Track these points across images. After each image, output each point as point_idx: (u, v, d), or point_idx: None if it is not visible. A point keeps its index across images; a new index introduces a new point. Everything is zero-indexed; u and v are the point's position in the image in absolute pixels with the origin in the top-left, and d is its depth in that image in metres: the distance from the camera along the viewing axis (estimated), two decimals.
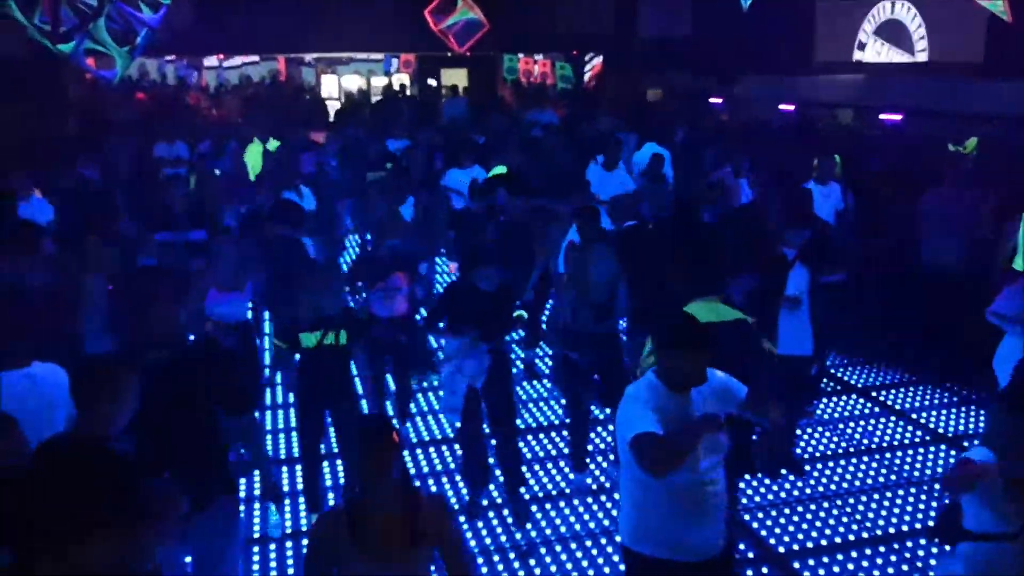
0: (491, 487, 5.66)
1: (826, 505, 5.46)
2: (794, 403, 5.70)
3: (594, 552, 5.00)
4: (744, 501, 5.45)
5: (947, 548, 3.23)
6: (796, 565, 4.89)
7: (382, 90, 20.70)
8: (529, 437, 6.38)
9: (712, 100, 15.61)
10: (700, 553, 3.34)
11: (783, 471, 5.78)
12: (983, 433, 3.18)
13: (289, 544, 5.15)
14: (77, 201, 7.79)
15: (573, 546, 5.06)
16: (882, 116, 12.22)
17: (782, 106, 14.07)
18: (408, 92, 20.14)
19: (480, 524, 5.31)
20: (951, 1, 11.17)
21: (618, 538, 3.95)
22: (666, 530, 3.32)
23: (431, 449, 6.27)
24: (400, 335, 6.21)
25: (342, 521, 2.93)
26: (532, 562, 4.94)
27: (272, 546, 5.13)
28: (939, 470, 5.89)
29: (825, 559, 4.93)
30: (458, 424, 5.47)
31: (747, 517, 5.32)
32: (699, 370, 3.29)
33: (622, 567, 4.78)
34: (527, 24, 17.78)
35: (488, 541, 5.15)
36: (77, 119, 13.06)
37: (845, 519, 5.32)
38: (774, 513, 5.38)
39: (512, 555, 5.01)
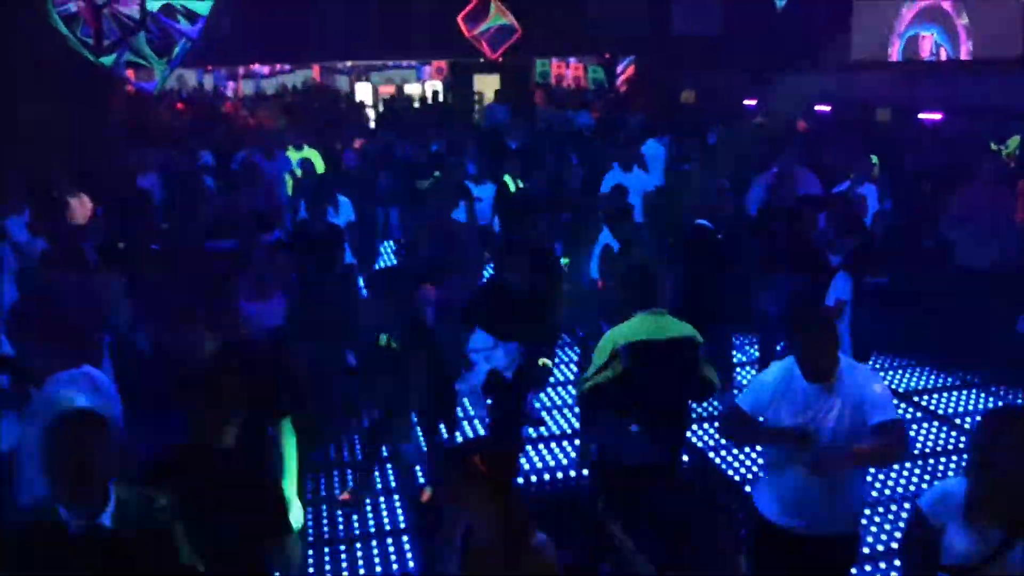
0: None
1: (868, 512, 5.36)
2: None
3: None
4: None
5: None
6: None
7: (418, 97, 20.84)
8: (545, 445, 6.36)
9: (746, 101, 15.47)
10: (809, 526, 3.46)
11: None
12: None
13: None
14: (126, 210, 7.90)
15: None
16: (921, 115, 12.01)
17: (818, 106, 13.91)
18: (441, 99, 20.24)
19: None
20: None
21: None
22: (774, 495, 3.53)
23: None
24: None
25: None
26: None
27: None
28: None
29: (868, 568, 4.84)
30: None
31: None
32: (818, 357, 3.37)
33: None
34: (559, 28, 17.78)
35: None
36: (118, 127, 13.29)
37: (888, 527, 5.23)
38: None
39: None
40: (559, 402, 7.09)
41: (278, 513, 3.05)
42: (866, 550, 5.00)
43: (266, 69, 24.07)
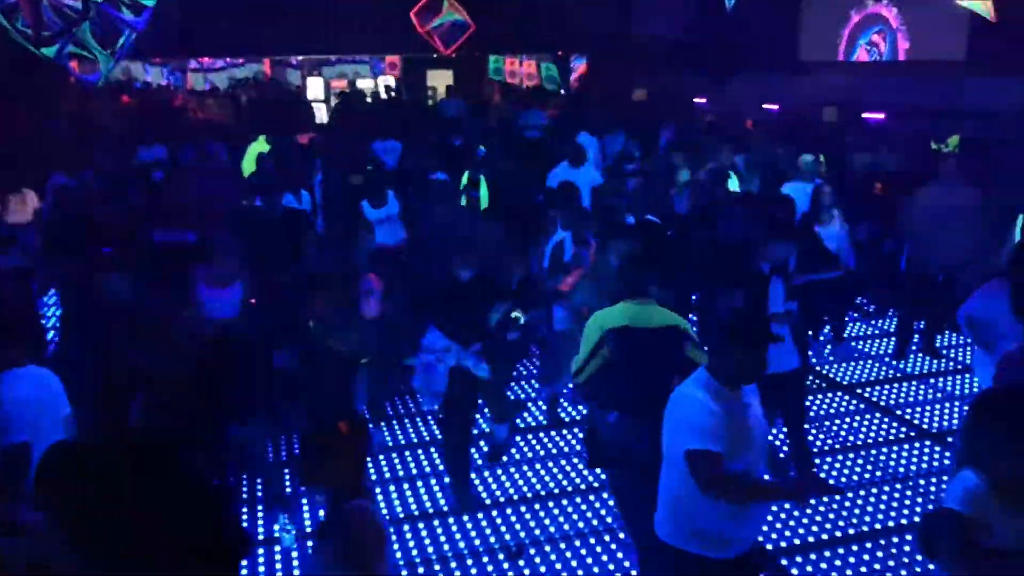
0: (480, 487, 5.69)
1: (813, 502, 5.48)
2: (797, 416, 5.64)
3: (583, 552, 5.01)
4: None
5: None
6: (784, 562, 4.92)
7: (370, 92, 20.68)
8: (518, 438, 6.39)
9: (697, 100, 15.67)
10: (742, 548, 3.41)
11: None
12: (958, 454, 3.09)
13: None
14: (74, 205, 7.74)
15: (563, 546, 5.07)
16: (865, 115, 12.29)
17: (766, 105, 14.15)
18: (394, 94, 20.13)
19: (469, 524, 5.32)
20: (932, 2, 11.27)
21: (621, 534, 3.96)
22: (715, 527, 3.34)
23: (406, 453, 6.28)
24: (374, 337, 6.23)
25: None
26: (521, 563, 4.95)
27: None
28: (924, 466, 5.94)
29: (813, 556, 4.96)
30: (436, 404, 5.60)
31: None
32: (758, 369, 3.37)
33: (611, 566, 4.83)
34: (513, 25, 17.79)
35: (477, 542, 5.17)
36: (67, 122, 12.99)
37: (832, 516, 5.36)
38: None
39: (502, 556, 5.02)
40: (533, 395, 7.13)
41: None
42: (811, 540, 5.12)
43: (218, 63, 23.68)
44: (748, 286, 5.37)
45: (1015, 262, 5.29)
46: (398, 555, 5.05)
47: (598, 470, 5.47)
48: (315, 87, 22.91)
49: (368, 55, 22.95)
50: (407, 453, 6.25)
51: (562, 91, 19.97)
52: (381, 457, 6.17)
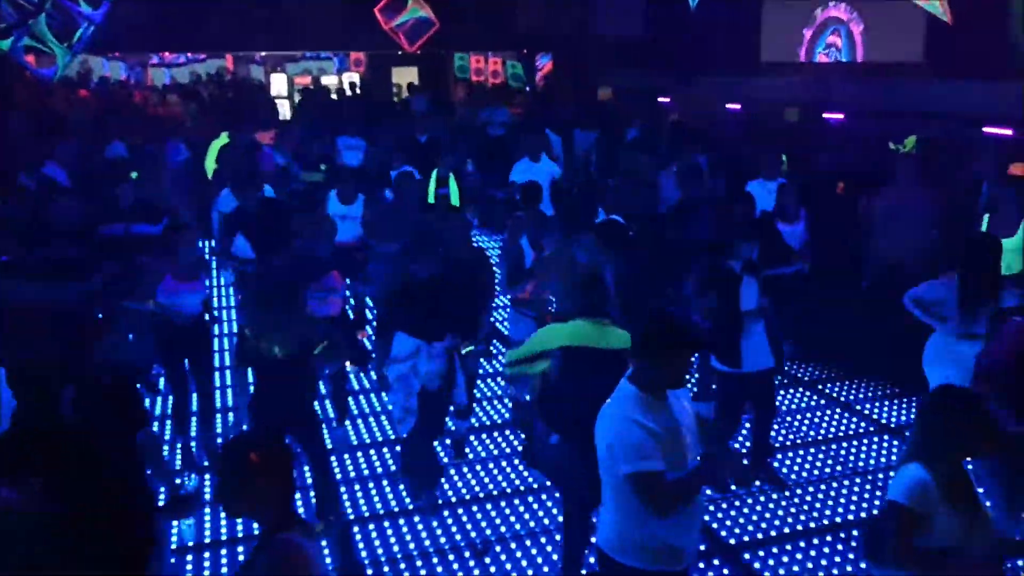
0: (445, 485, 5.68)
1: (775, 496, 5.56)
2: (764, 413, 5.72)
3: (549, 548, 5.03)
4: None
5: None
6: (747, 556, 4.98)
7: (334, 89, 20.53)
8: (483, 435, 6.40)
9: (661, 99, 15.79)
10: (688, 558, 3.35)
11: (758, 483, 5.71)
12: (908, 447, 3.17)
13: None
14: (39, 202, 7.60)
15: (528, 543, 5.08)
16: (826, 115, 12.47)
17: (729, 105, 14.29)
18: (358, 90, 20.00)
19: (435, 523, 5.31)
20: (891, 2, 11.46)
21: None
22: (659, 540, 3.25)
23: (371, 452, 6.25)
24: (336, 335, 6.18)
25: None
26: (487, 560, 4.96)
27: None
28: (883, 460, 6.05)
29: (775, 550, 5.03)
30: (410, 427, 5.45)
31: None
32: (685, 371, 3.31)
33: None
34: (478, 23, 17.78)
35: (443, 540, 5.16)
36: (24, 118, 12.71)
37: (793, 510, 5.44)
38: (724, 506, 5.46)
39: (467, 553, 5.02)
40: (488, 393, 7.12)
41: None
42: (773, 534, 5.19)
43: (180, 58, 23.34)
44: (721, 285, 5.42)
45: (967, 256, 5.42)
46: (363, 554, 5.03)
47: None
48: (279, 83, 22.70)
49: (332, 51, 22.80)
50: (372, 452, 6.22)
51: (527, 89, 20.01)
52: (346, 456, 6.14)
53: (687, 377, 3.31)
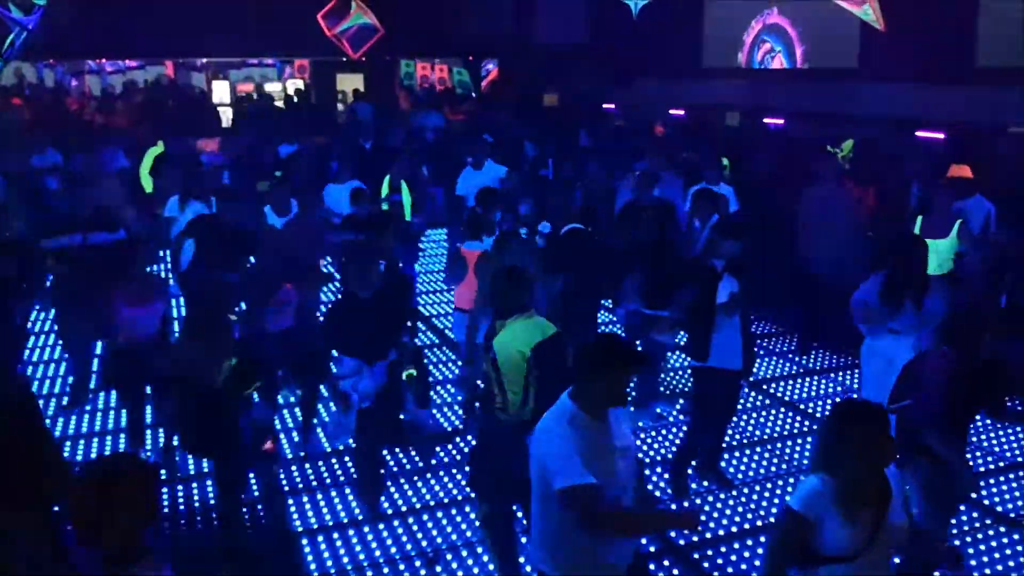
0: (395, 494, 5.64)
1: (723, 496, 5.64)
2: (724, 416, 5.78)
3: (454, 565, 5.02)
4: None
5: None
6: (696, 555, 5.04)
7: (279, 96, 20.30)
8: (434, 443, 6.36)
9: (606, 105, 15.95)
10: (621, 567, 3.33)
11: (707, 483, 5.78)
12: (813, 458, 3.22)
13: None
14: None
15: (479, 550, 5.07)
16: (766, 120, 12.72)
17: (672, 110, 14.49)
18: (301, 98, 19.80)
19: (385, 532, 5.27)
20: (827, 9, 11.76)
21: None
22: (589, 555, 3.22)
23: (319, 463, 6.18)
24: (292, 347, 6.10)
25: None
26: (438, 568, 4.93)
27: None
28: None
29: (723, 549, 5.09)
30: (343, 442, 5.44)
31: None
32: (623, 390, 3.28)
33: (528, 568, 4.85)
34: (424, 30, 17.75)
35: (393, 550, 5.12)
36: None
37: (741, 509, 5.51)
38: (673, 507, 5.52)
39: (418, 563, 4.99)
40: (438, 401, 7.09)
41: None
42: (722, 533, 5.26)
43: (117, 65, 22.81)
44: (701, 282, 5.47)
45: (893, 254, 5.61)
46: (312, 567, 4.96)
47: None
48: (221, 91, 22.35)
49: (275, 58, 22.52)
50: (320, 463, 6.14)
51: (473, 95, 20.05)
52: (293, 468, 6.06)
53: (626, 396, 3.30)
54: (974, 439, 6.33)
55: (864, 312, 5.52)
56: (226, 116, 18.84)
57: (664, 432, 6.51)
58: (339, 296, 5.53)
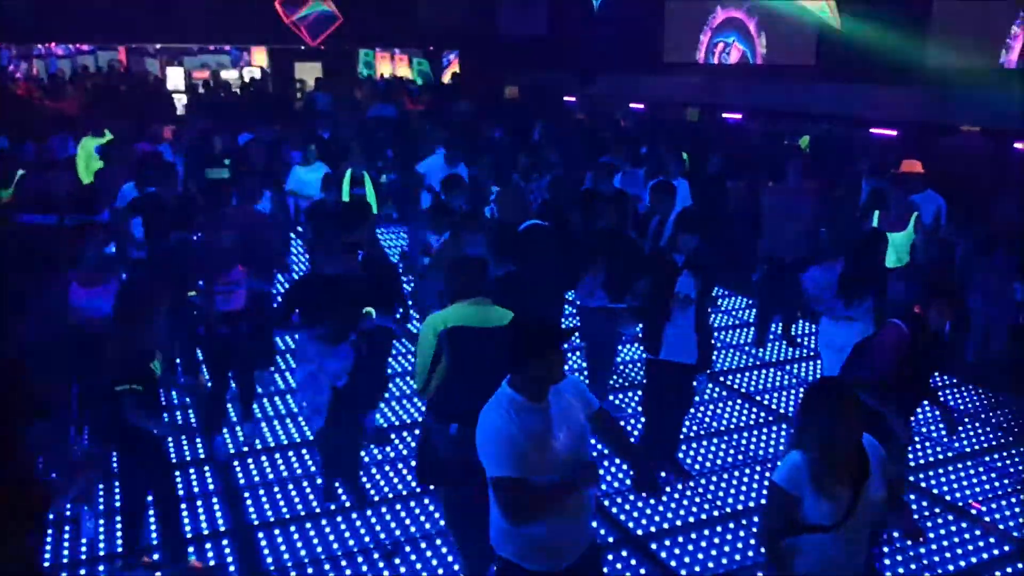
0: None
1: (680, 487, 5.68)
2: (677, 409, 5.82)
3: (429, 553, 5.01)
4: (603, 487, 5.59)
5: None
6: (654, 546, 5.07)
7: (234, 83, 19.97)
8: (392, 436, 6.32)
9: (567, 98, 15.97)
10: (568, 557, 3.34)
11: (664, 474, 5.78)
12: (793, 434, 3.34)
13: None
14: None
15: (438, 542, 5.05)
16: (724, 115, 12.85)
17: (633, 105, 14.57)
18: (257, 86, 19.52)
19: (343, 525, 5.22)
20: (786, 8, 11.92)
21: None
22: (534, 539, 3.25)
23: (277, 455, 6.12)
24: (241, 330, 6.02)
25: None
26: (397, 561, 4.90)
27: None
28: (782, 448, 6.25)
29: (680, 539, 5.14)
30: (319, 425, 5.35)
31: (606, 502, 5.47)
32: (559, 371, 3.28)
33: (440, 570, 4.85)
34: (384, 19, 17.60)
35: (352, 543, 5.08)
36: None
37: (698, 499, 5.57)
38: (632, 497, 5.55)
39: (376, 555, 4.95)
40: (397, 392, 7.04)
41: None
42: (679, 523, 5.30)
43: (70, 49, 22.24)
44: (659, 274, 5.48)
45: (854, 247, 5.72)
46: (269, 560, 4.90)
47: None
48: (175, 77, 21.93)
49: (232, 45, 22.17)
50: (278, 455, 6.07)
51: (434, 85, 19.94)
52: (250, 460, 5.98)
53: (563, 371, 3.30)
54: (923, 429, 6.48)
55: (819, 301, 5.70)
56: (180, 103, 18.49)
57: (623, 424, 6.55)
58: (307, 273, 5.48)
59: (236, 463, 5.96)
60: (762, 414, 6.86)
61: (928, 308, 4.44)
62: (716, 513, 5.42)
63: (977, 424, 6.70)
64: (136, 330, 4.35)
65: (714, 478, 5.84)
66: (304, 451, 6.07)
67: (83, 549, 4.95)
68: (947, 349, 4.58)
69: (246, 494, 5.57)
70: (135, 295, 4.59)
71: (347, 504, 5.42)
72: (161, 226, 6.57)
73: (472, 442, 3.54)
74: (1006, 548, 5.09)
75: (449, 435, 4.21)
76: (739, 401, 7.09)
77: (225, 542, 5.07)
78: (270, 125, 11.66)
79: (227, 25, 17.14)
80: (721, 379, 7.52)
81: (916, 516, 5.33)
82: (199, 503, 5.42)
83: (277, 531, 5.17)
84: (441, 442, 4.29)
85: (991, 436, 6.51)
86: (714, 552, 5.01)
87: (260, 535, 5.13)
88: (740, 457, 6.14)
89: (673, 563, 4.92)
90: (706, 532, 5.20)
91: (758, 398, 7.17)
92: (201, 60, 22.68)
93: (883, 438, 4.28)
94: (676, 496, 5.58)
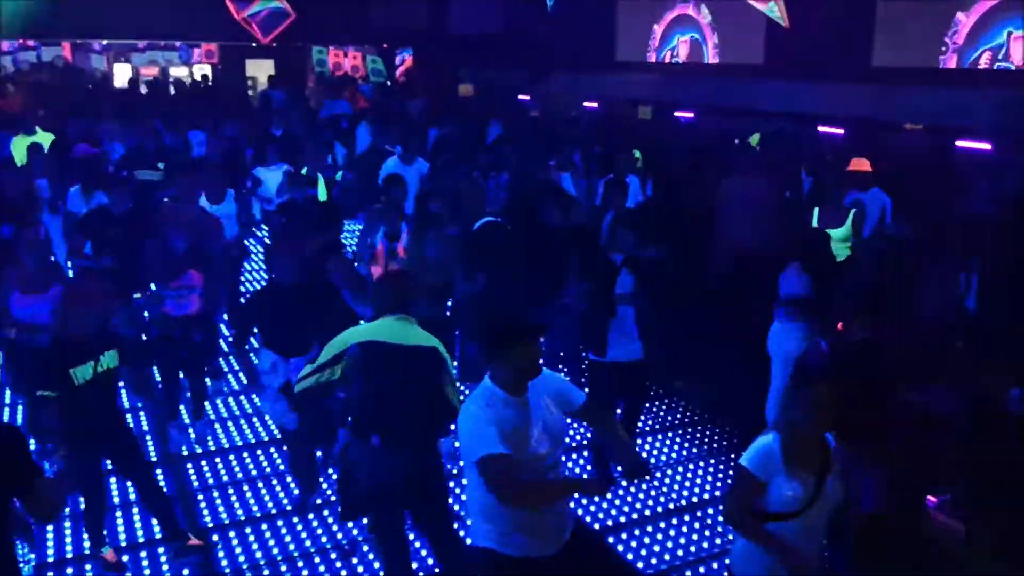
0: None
1: (635, 480, 5.74)
2: (632, 408, 5.84)
3: (417, 545, 5.01)
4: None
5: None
6: (610, 540, 5.13)
7: (184, 80, 19.62)
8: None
9: (521, 96, 16.01)
10: (553, 544, 3.39)
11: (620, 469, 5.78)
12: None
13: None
14: None
15: None
16: (677, 113, 12.98)
17: (587, 103, 14.65)
18: (210, 83, 19.21)
19: (300, 526, 5.19)
20: (736, 6, 12.08)
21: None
22: (518, 528, 3.29)
23: (232, 456, 6.05)
24: (194, 335, 5.94)
25: None
26: (355, 560, 4.89)
27: None
28: (735, 441, 6.35)
29: (636, 532, 5.20)
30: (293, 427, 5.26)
31: None
32: (534, 363, 3.31)
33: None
34: (337, 16, 17.46)
35: (309, 543, 5.05)
36: None
37: (654, 492, 5.64)
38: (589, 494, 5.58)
39: (334, 555, 4.93)
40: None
41: None
42: (635, 516, 5.37)
43: (7, 45, 21.63)
44: (598, 274, 5.44)
45: (807, 251, 5.82)
46: (224, 563, 4.85)
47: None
48: (123, 74, 21.48)
49: (181, 41, 21.78)
50: (231, 456, 6.01)
51: (388, 83, 19.84)
52: (203, 462, 5.91)
53: (537, 367, 3.33)
54: None
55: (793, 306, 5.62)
56: (128, 101, 18.12)
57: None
58: (265, 284, 5.39)
59: (189, 464, 5.89)
60: (697, 411, 6.94)
61: (851, 324, 4.43)
62: (671, 506, 5.49)
63: None
64: (63, 336, 4.37)
65: (669, 472, 5.92)
66: (259, 452, 6.02)
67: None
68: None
69: (200, 496, 5.50)
70: (69, 301, 4.55)
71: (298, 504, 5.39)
72: (112, 242, 6.44)
73: (394, 461, 3.57)
74: None
75: (371, 448, 4.00)
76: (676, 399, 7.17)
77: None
78: (233, 121, 11.49)
79: (176, 20, 16.85)
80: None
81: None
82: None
83: (232, 533, 5.12)
84: (363, 460, 4.08)
85: None
86: (670, 544, 5.08)
87: (215, 537, 5.08)
88: (694, 451, 6.23)
89: (630, 556, 4.98)
90: (662, 525, 5.27)
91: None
92: (149, 57, 22.24)
93: None
94: (632, 490, 5.64)
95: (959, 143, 10.22)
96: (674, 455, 6.17)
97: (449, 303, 6.41)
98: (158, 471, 5.72)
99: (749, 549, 3.33)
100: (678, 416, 6.80)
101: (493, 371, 3.33)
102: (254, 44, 15.52)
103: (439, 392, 4.02)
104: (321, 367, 4.05)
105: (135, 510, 5.27)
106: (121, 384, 4.85)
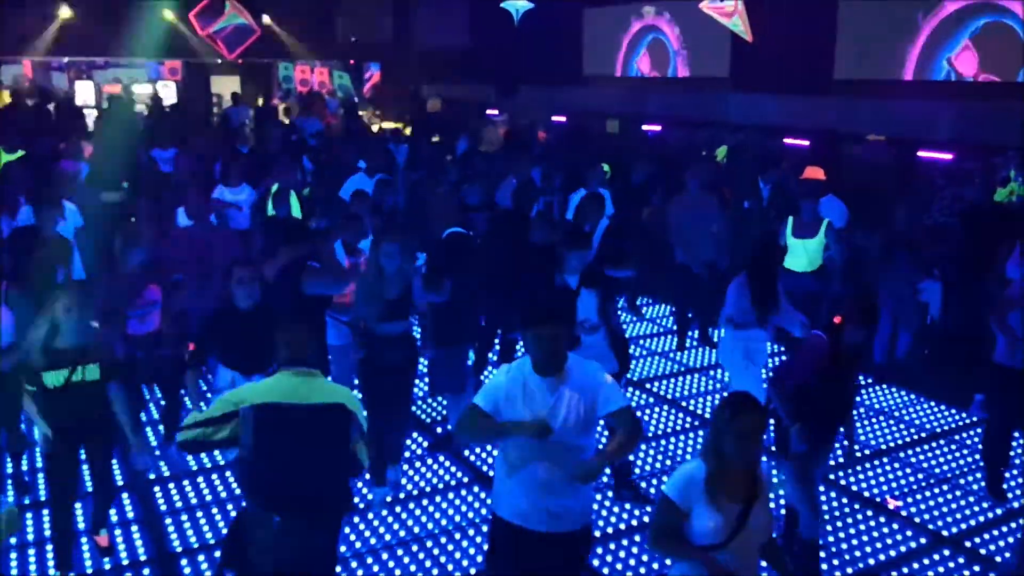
0: None
1: (611, 494, 5.73)
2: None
3: (406, 560, 4.95)
4: None
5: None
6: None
7: (149, 98, 19.40)
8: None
9: (489, 111, 16.05)
10: (536, 519, 3.46)
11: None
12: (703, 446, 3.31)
13: None
14: None
15: (385, 555, 4.98)
16: (644, 127, 13.09)
17: (555, 117, 14.72)
18: (172, 102, 19.02)
19: None
20: (701, 21, 12.22)
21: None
22: (504, 491, 3.56)
23: (200, 479, 5.96)
24: (160, 351, 5.84)
25: None
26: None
27: None
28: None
29: (612, 545, 5.17)
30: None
31: None
32: (545, 353, 3.40)
33: (435, 571, 4.82)
34: (303, 32, 17.41)
35: None
36: None
37: (628, 506, 5.61)
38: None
39: None
40: None
41: None
42: (609, 530, 5.35)
43: None
44: (556, 303, 5.02)
45: (755, 260, 5.90)
46: None
47: None
48: (85, 92, 21.19)
49: (147, 59, 21.57)
50: (200, 479, 5.90)
51: (355, 100, 19.79)
52: (171, 485, 5.80)
53: (559, 362, 3.44)
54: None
55: (742, 316, 5.80)
56: (91, 119, 17.88)
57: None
58: (221, 305, 5.26)
59: (157, 488, 5.78)
60: (687, 419, 6.98)
61: (846, 322, 4.52)
62: (646, 519, 5.46)
63: (891, 422, 6.96)
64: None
65: (642, 484, 5.90)
66: (228, 473, 5.91)
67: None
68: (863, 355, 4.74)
69: (167, 520, 5.39)
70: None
71: None
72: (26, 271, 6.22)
73: (295, 542, 3.43)
74: (922, 540, 5.29)
75: (272, 528, 3.48)
76: (665, 407, 7.20)
77: (147, 572, 4.90)
78: (198, 140, 11.37)
79: (138, 38, 16.68)
80: (646, 386, 7.63)
81: (837, 513, 5.53)
82: (118, 532, 5.23)
83: (201, 556, 5.02)
84: (263, 542, 3.53)
85: (904, 433, 6.77)
86: (645, 557, 5.06)
87: (183, 562, 4.98)
88: (668, 463, 6.23)
89: (606, 570, 4.95)
90: (637, 539, 5.25)
91: (683, 403, 7.29)
92: (112, 74, 21.98)
93: (783, 448, 4.48)
94: (607, 503, 5.62)
95: (921, 153, 10.39)
96: (647, 467, 6.16)
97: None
98: (124, 496, 5.63)
99: (683, 570, 3.21)
100: (653, 427, 6.80)
101: (524, 347, 3.54)
102: (219, 61, 15.38)
103: (349, 455, 3.64)
104: (208, 422, 3.51)
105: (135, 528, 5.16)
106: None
